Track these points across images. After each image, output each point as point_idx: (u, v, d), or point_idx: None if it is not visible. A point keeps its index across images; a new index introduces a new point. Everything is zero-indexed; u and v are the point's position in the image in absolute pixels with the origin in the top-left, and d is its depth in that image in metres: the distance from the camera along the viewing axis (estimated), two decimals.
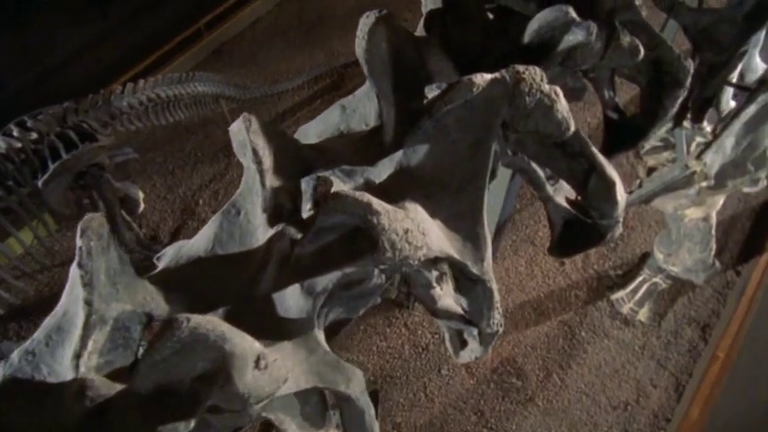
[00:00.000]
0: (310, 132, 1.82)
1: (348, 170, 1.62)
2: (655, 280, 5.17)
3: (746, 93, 2.65)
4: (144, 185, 6.39)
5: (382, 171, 1.60)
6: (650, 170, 3.50)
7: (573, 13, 1.59)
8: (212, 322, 0.96)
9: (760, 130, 2.84)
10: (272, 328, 1.29)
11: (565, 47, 1.69)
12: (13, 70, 7.55)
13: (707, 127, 3.15)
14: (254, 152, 1.30)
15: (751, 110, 2.65)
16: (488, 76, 1.46)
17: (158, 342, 0.94)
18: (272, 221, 1.37)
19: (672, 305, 5.38)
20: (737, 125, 2.77)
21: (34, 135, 4.62)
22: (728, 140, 2.87)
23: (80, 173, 4.98)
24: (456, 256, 1.48)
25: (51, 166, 4.57)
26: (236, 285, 1.37)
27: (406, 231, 1.24)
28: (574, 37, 1.66)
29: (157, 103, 5.51)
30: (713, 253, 4.42)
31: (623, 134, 2.35)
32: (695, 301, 5.44)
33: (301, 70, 7.51)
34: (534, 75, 1.52)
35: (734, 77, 2.69)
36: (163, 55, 7.83)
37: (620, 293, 5.35)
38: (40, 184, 4.52)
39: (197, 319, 0.93)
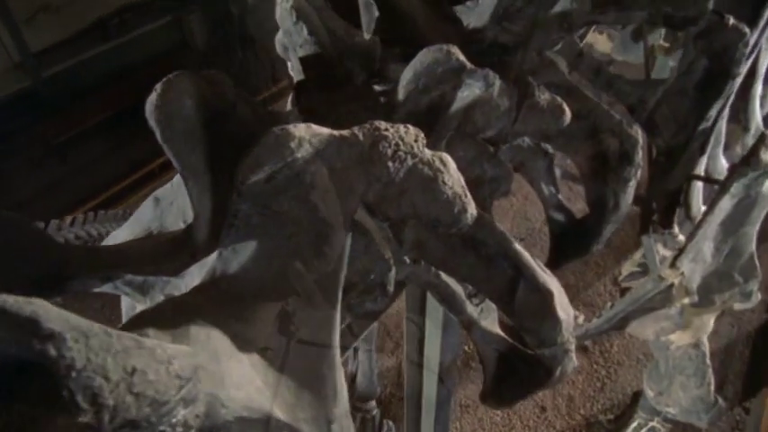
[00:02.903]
0: (120, 237, 1.31)
1: (140, 283, 1.09)
2: (652, 424, 4.42)
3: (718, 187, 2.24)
4: None
5: (190, 282, 1.07)
6: (623, 291, 2.97)
7: (459, 55, 1.16)
8: None
9: (741, 234, 2.39)
10: None
11: (460, 106, 1.24)
12: None
13: (679, 235, 2.70)
14: None
15: (726, 205, 2.22)
16: (324, 130, 0.98)
17: None
18: None
19: None
20: (714, 225, 2.32)
21: None
22: (706, 245, 2.40)
23: None
24: (280, 415, 0.89)
25: None
26: None
27: (133, 373, 0.68)
28: (469, 91, 1.21)
29: (87, 241, 5.05)
30: (713, 387, 3.74)
31: (572, 238, 1.86)
32: None
33: None
34: (403, 134, 1.05)
35: (701, 172, 2.29)
36: (114, 196, 7.67)
37: None
38: None
39: None
